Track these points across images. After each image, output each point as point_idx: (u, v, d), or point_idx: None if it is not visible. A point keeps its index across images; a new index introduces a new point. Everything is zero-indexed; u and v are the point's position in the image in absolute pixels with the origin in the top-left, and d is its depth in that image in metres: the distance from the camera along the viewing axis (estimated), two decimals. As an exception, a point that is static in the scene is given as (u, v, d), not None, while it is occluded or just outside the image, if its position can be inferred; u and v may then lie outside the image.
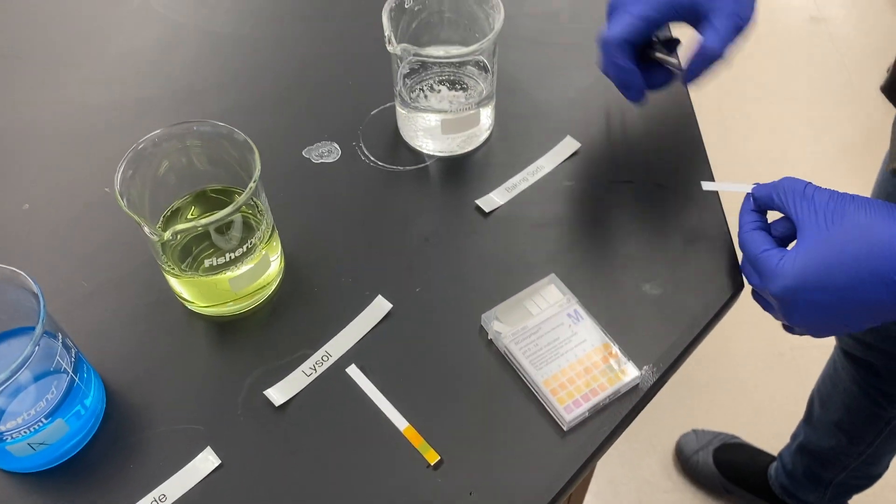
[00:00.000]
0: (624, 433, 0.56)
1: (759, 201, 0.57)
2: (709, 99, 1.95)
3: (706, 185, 0.63)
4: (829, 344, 1.52)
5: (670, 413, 1.46)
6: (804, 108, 1.94)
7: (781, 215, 0.56)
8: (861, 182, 1.82)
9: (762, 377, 1.52)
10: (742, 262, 0.58)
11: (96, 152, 0.71)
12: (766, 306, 0.57)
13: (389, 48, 0.62)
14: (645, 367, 0.57)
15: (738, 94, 1.97)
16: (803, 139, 1.87)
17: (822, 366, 1.54)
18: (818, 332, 0.55)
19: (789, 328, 0.57)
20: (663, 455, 1.43)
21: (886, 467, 1.13)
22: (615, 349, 0.57)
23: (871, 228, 0.49)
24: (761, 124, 1.90)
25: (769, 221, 0.57)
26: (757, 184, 0.58)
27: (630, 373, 0.55)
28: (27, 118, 0.74)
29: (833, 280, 0.50)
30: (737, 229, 0.58)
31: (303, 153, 0.70)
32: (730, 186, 0.61)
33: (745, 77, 2.01)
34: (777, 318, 0.56)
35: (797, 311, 0.53)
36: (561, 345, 0.57)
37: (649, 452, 1.43)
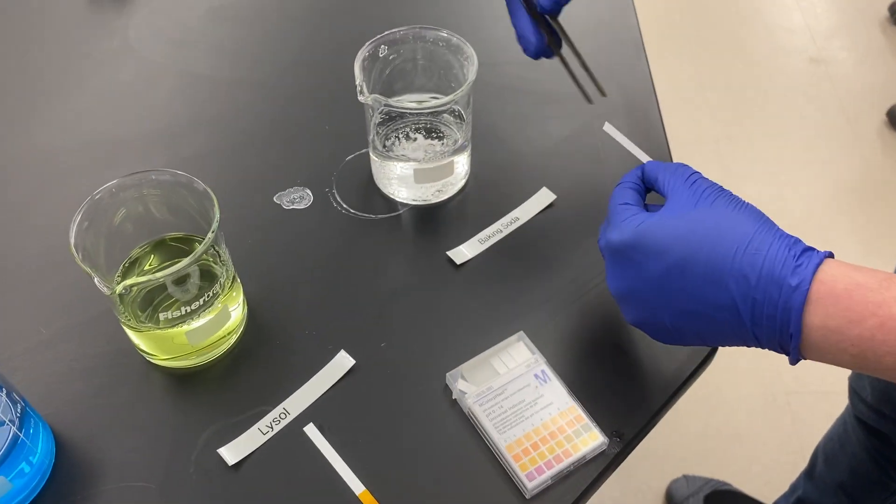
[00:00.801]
0: (613, 477, 0.55)
1: (646, 175, 0.54)
2: (706, 138, 1.94)
3: (608, 128, 0.59)
4: (825, 390, 1.49)
5: (661, 457, 1.43)
6: (802, 149, 1.93)
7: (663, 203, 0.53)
8: (857, 224, 1.81)
9: (755, 423, 1.49)
10: (603, 223, 0.55)
11: (63, 194, 0.70)
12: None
13: (361, 98, 0.61)
14: (613, 431, 0.55)
15: (735, 135, 1.96)
16: (800, 181, 1.85)
17: (817, 412, 1.52)
18: (639, 314, 0.50)
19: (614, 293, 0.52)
20: (653, 500, 1.40)
21: (885, 532, 1.10)
22: (582, 413, 0.55)
23: (733, 225, 0.45)
24: (758, 165, 1.89)
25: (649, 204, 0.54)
26: (652, 161, 0.55)
27: (596, 438, 0.54)
28: (-2, 157, 0.73)
29: (670, 251, 0.46)
30: None
31: (274, 199, 0.69)
32: (629, 144, 0.58)
33: (743, 117, 2.01)
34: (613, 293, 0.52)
35: (622, 270, 0.49)
36: (526, 407, 0.55)
37: (639, 497, 1.40)
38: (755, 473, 1.40)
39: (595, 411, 0.55)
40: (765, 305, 0.43)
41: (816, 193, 1.83)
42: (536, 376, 0.56)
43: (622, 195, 0.53)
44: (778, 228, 0.46)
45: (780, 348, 0.45)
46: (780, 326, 0.43)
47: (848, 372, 0.99)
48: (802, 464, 1.16)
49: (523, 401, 0.55)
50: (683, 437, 1.47)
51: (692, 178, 0.50)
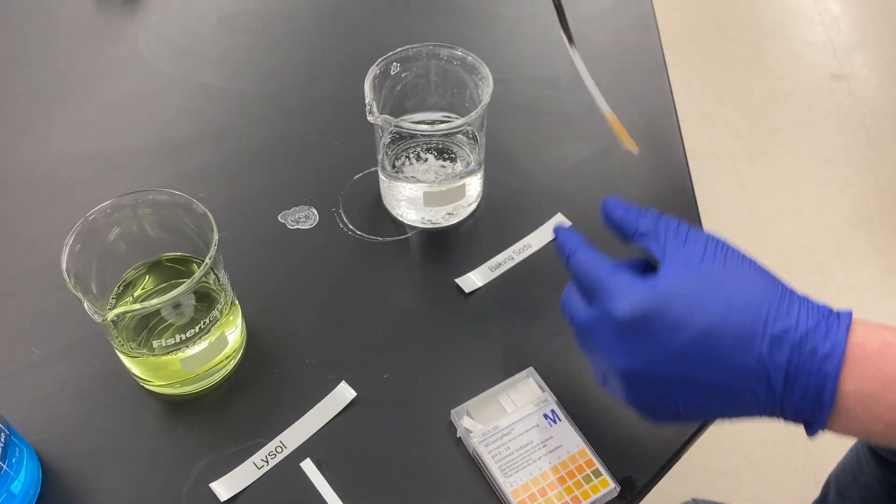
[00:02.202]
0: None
1: (610, 213, 0.49)
2: (723, 155, 1.91)
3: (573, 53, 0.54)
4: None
5: (670, 481, 1.40)
6: (821, 167, 1.89)
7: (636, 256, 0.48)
8: (877, 246, 1.77)
9: (767, 447, 1.46)
10: (564, 293, 0.48)
11: (62, 207, 0.68)
12: (596, 364, 0.46)
13: (370, 118, 0.58)
14: (624, 477, 0.52)
15: (753, 151, 1.92)
16: (819, 200, 1.82)
17: (831, 439, 1.48)
18: (651, 394, 0.44)
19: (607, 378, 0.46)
20: (660, 525, 1.37)
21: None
22: (593, 457, 0.52)
23: (756, 288, 0.42)
24: (776, 183, 1.86)
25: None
26: (611, 197, 0.50)
27: (607, 485, 0.51)
28: (-2, 166, 0.72)
29: (693, 320, 0.41)
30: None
31: (278, 217, 0.67)
32: (593, 88, 0.53)
33: (761, 133, 1.97)
34: (602, 374, 0.46)
35: (635, 347, 0.42)
36: (534, 450, 0.52)
37: (646, 522, 1.37)
38: (766, 500, 1.37)
39: (607, 455, 0.52)
40: (799, 372, 0.40)
41: (836, 213, 1.79)
42: (546, 416, 0.54)
43: (603, 261, 0.46)
44: (794, 290, 0.43)
45: (806, 418, 0.41)
46: (813, 394, 0.40)
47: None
48: (815, 491, 1.12)
49: (531, 442, 0.53)
50: (693, 461, 1.43)
51: (681, 229, 0.46)
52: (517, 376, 0.56)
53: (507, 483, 0.51)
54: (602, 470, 0.51)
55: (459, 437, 0.54)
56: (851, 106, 2.04)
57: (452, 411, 0.54)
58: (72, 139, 0.73)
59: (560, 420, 0.54)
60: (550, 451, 0.52)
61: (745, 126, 1.99)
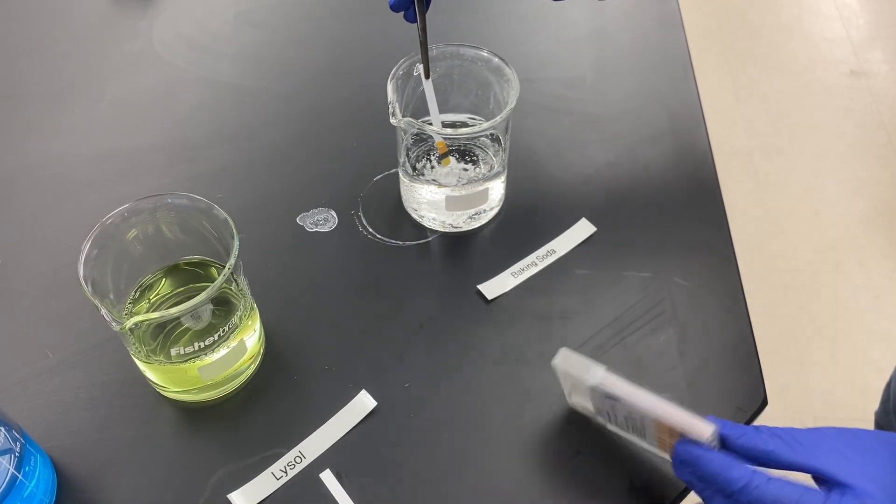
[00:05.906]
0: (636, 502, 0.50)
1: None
2: (739, 150, 1.89)
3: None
4: (855, 417, 1.44)
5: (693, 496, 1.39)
6: (839, 165, 1.87)
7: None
8: (893, 245, 1.75)
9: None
10: None
11: (76, 208, 0.66)
12: None
13: (393, 121, 0.57)
14: (660, 492, 0.51)
15: (770, 149, 1.90)
16: (836, 198, 1.79)
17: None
18: None
19: None
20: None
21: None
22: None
23: None
24: (793, 180, 1.83)
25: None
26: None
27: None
28: (11, 165, 0.70)
29: None
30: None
31: (297, 220, 0.65)
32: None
33: (779, 130, 1.95)
34: None
35: None
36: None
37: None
38: None
39: (637, 471, 0.51)
40: None
41: (853, 212, 1.77)
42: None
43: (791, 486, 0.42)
44: None
45: None
46: None
47: (874, 404, 0.94)
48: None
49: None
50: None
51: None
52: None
53: (662, 398, 0.44)
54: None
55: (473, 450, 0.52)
56: (870, 103, 2.01)
57: (559, 354, 0.48)
58: (84, 138, 0.72)
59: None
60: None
61: (762, 123, 1.97)
